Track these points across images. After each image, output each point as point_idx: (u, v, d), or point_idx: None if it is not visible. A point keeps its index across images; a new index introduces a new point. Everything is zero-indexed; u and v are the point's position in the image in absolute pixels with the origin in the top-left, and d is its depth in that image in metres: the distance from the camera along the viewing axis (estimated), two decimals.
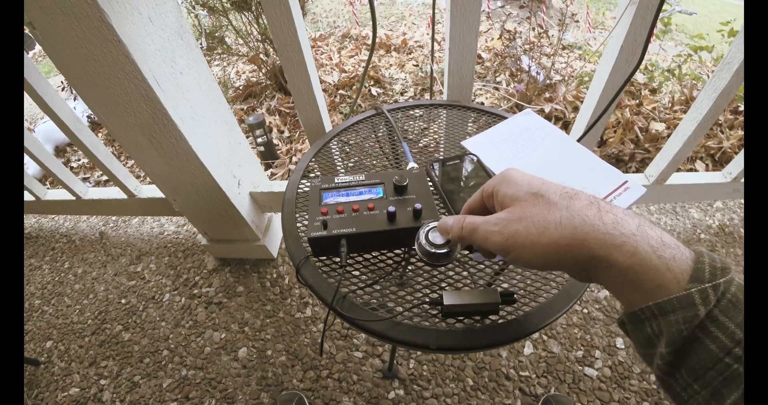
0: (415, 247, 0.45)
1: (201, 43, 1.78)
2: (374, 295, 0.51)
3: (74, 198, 1.46)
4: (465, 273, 0.52)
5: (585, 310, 1.17)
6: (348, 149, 0.78)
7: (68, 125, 1.19)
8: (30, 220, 1.79)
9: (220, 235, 1.32)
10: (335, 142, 0.79)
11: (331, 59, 1.95)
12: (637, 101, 1.93)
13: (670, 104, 1.91)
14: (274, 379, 1.12)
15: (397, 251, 0.55)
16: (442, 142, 0.77)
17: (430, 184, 0.63)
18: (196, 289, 1.35)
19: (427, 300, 0.47)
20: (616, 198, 0.62)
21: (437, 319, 0.47)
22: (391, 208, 0.50)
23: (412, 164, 0.65)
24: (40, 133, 1.89)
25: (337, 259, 0.55)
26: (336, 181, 0.58)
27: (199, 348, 1.22)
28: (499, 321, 0.46)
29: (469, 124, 0.82)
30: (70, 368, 1.25)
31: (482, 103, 1.90)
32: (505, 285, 0.53)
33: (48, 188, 1.58)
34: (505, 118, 0.81)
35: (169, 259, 1.46)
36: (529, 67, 1.90)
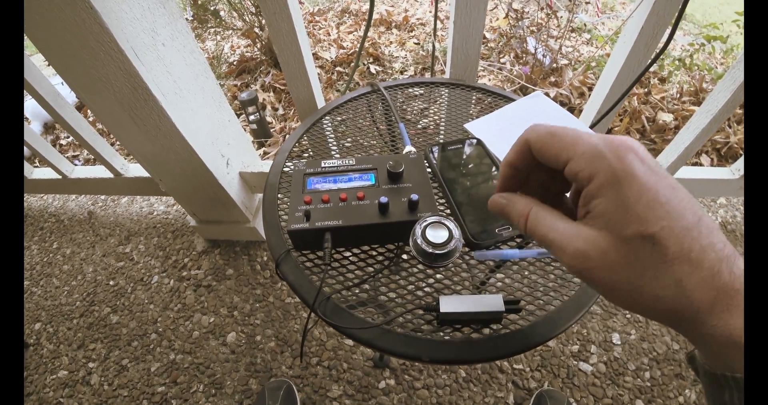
0: (410, 244, 0.38)
1: (187, 12, 1.66)
2: (362, 297, 0.44)
3: (60, 177, 1.38)
4: (465, 274, 0.45)
5: None
6: (342, 128, 0.70)
7: (48, 101, 1.10)
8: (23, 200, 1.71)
9: (209, 217, 1.25)
10: (328, 120, 0.70)
11: (329, 35, 1.83)
12: (646, 90, 1.84)
13: (678, 95, 1.81)
14: (263, 366, 1.07)
15: (391, 246, 0.48)
16: (442, 124, 0.69)
17: (429, 170, 0.56)
18: (185, 271, 1.29)
19: (422, 305, 0.40)
20: None
21: (432, 327, 0.40)
22: (383, 199, 0.43)
23: (409, 148, 0.58)
24: (27, 109, 1.78)
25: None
26: (322, 165, 0.50)
27: (187, 332, 1.17)
28: (502, 331, 0.40)
29: (472, 106, 0.73)
30: (59, 351, 1.20)
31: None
32: (513, 282, 0.46)
33: (35, 167, 1.50)
34: (513, 100, 0.73)
35: (158, 240, 1.39)
36: (536, 50, 1.79)
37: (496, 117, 0.68)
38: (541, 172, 0.28)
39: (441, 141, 0.64)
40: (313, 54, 1.77)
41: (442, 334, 0.40)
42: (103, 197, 1.59)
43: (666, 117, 1.69)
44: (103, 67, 0.80)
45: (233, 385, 1.05)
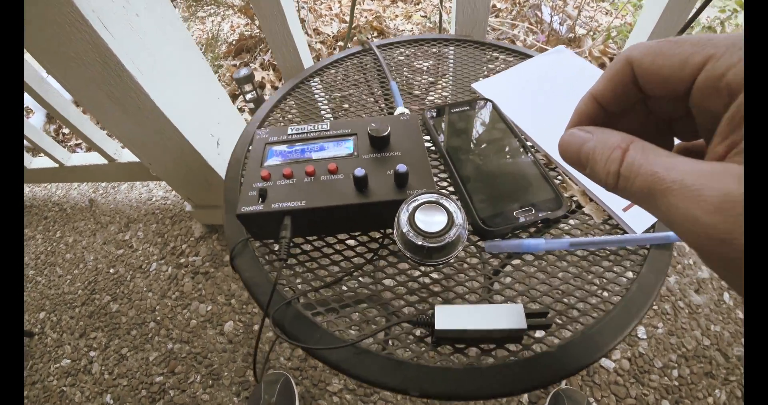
0: (394, 233, 0.26)
1: None
2: (333, 302, 0.32)
3: (57, 165, 1.30)
4: (472, 272, 0.32)
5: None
6: (332, 92, 0.57)
7: (30, 85, 1.00)
8: (23, 190, 1.65)
9: (204, 201, 1.15)
10: (317, 83, 0.57)
11: (331, 9, 1.67)
12: None
13: None
14: (261, 357, 0.98)
15: (376, 234, 0.36)
16: (447, 85, 0.56)
17: (427, 138, 0.43)
18: (183, 258, 1.20)
19: (412, 316, 0.28)
20: None
21: (425, 346, 0.28)
22: (359, 172, 0.30)
23: (401, 109, 0.45)
24: (29, 100, 1.69)
25: (299, 242, 0.36)
26: (289, 132, 0.38)
27: (185, 320, 1.08)
28: (521, 353, 0.27)
29: (483, 66, 0.59)
30: (62, 339, 1.13)
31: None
32: (536, 283, 0.33)
33: (35, 157, 1.42)
34: (531, 56, 0.58)
35: (157, 227, 1.30)
36: (551, 18, 1.60)
37: (510, 75, 0.54)
38: (637, 115, 0.19)
39: (443, 103, 0.51)
40: (314, 29, 1.62)
41: (438, 356, 0.27)
42: (103, 184, 1.51)
43: None
44: (71, 42, 0.68)
45: (230, 376, 0.97)
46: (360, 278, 0.33)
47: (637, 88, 0.17)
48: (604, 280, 0.32)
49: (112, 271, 1.24)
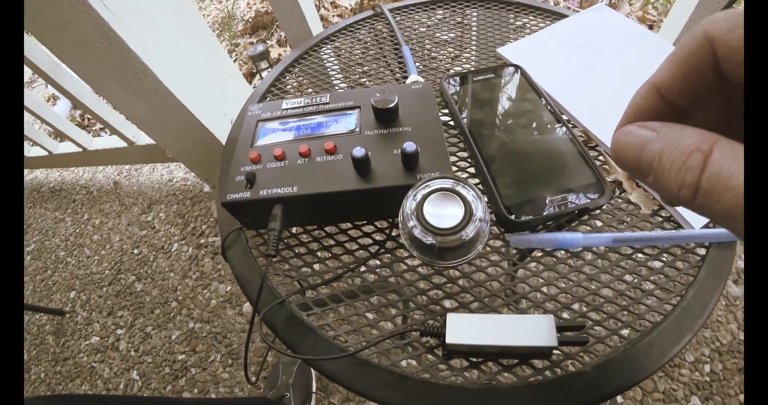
0: (399, 227, 0.21)
1: None
2: (331, 302, 0.28)
3: (81, 149, 1.31)
4: (492, 270, 0.27)
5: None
6: (343, 62, 0.51)
7: (45, 72, 0.99)
8: (54, 174, 1.69)
9: None
10: (327, 51, 0.51)
11: None
12: None
13: None
14: (270, 342, 0.97)
15: (383, 223, 0.31)
16: (470, 52, 0.49)
17: (445, 111, 0.37)
18: (203, 238, 1.20)
19: (420, 324, 0.23)
20: None
21: (434, 358, 0.24)
22: (359, 151, 0.25)
23: (414, 77, 0.39)
24: None
25: (296, 232, 0.32)
26: (284, 106, 0.33)
27: (205, 300, 1.09)
28: (547, 372, 0.22)
29: (510, 29, 0.51)
30: (91, 318, 1.17)
31: None
32: (570, 286, 0.27)
33: (61, 142, 1.44)
34: (565, 16, 0.50)
35: (178, 208, 1.30)
36: None
37: (542, 38, 0.46)
38: (714, 108, 0.15)
39: (464, 70, 0.44)
40: (332, 2, 1.54)
41: (449, 370, 0.23)
42: (126, 167, 1.52)
43: None
44: (74, 24, 0.65)
45: (249, 356, 0.97)
46: (364, 275, 0.29)
47: (718, 73, 0.13)
48: (653, 285, 0.26)
49: (136, 251, 1.26)
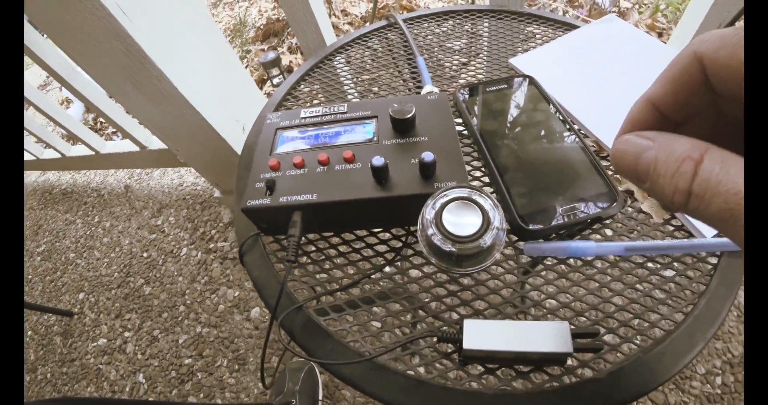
0: (418, 235, 0.22)
1: None
2: (349, 309, 0.28)
3: (93, 153, 1.34)
4: (509, 276, 0.28)
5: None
6: (357, 71, 0.53)
7: (63, 76, 1.02)
8: (66, 177, 1.72)
9: (232, 187, 1.15)
10: (340, 61, 0.53)
11: None
12: None
13: None
14: (286, 344, 0.98)
15: (400, 231, 0.32)
16: (482, 62, 0.50)
17: (458, 121, 0.38)
18: (212, 243, 1.22)
19: (436, 330, 0.24)
20: None
21: (451, 364, 0.24)
22: (378, 161, 0.26)
23: (429, 87, 0.40)
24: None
25: (313, 238, 0.33)
26: (302, 115, 0.34)
27: (213, 305, 1.10)
28: (563, 378, 0.23)
29: (521, 39, 0.53)
30: (99, 320, 1.19)
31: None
32: (584, 294, 0.28)
33: (74, 145, 1.48)
34: (577, 27, 0.51)
35: (188, 212, 1.32)
36: None
37: (553, 48, 0.47)
38: (706, 120, 0.16)
39: (476, 81, 0.45)
40: (342, 10, 1.56)
41: (465, 376, 0.24)
42: (138, 171, 1.55)
43: None
44: (93, 30, 0.68)
45: (256, 362, 0.98)
46: (380, 282, 0.29)
47: (709, 88, 0.14)
48: (665, 294, 0.27)
49: (145, 255, 1.27)
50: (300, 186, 0.28)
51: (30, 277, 1.39)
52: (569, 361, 0.23)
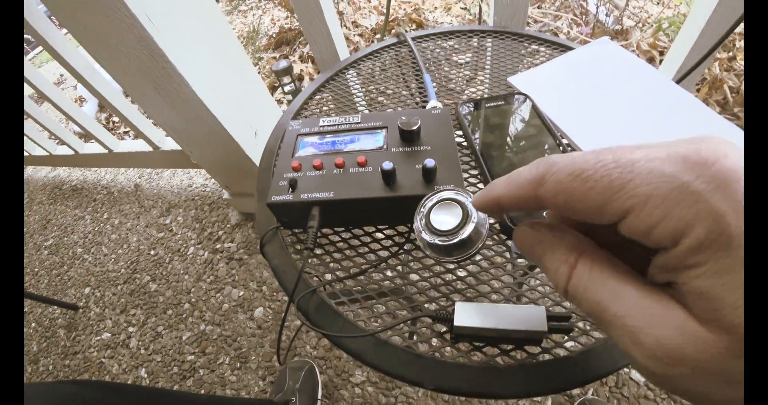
0: (414, 230, 0.26)
1: None
2: (357, 293, 0.33)
3: (106, 151, 1.39)
4: (495, 271, 0.32)
5: None
6: (368, 85, 0.58)
7: (82, 75, 1.07)
8: (76, 173, 1.78)
9: (241, 189, 1.20)
10: (353, 75, 0.58)
11: (370, 2, 1.68)
12: (730, 54, 1.51)
13: None
14: (287, 344, 1.01)
15: (403, 228, 0.37)
16: (485, 79, 0.55)
17: (459, 133, 0.42)
18: (219, 243, 1.26)
19: (432, 311, 0.28)
20: None
21: (444, 342, 0.28)
22: (387, 165, 0.31)
23: (434, 102, 0.44)
24: (82, 88, 1.82)
25: (327, 233, 0.37)
26: (321, 123, 0.39)
27: (217, 304, 1.14)
28: (540, 357, 0.27)
29: (522, 59, 0.58)
30: (104, 314, 1.23)
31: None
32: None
33: (87, 143, 1.53)
34: (572, 48, 0.56)
35: (196, 213, 1.37)
36: (597, 8, 1.52)
37: (549, 68, 0.52)
38: None
39: (477, 97, 0.50)
40: (353, 22, 1.63)
41: (456, 352, 0.28)
42: (148, 170, 1.60)
43: None
44: (120, 35, 0.74)
45: (257, 361, 1.01)
46: (385, 271, 0.34)
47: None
48: None
49: (152, 252, 1.32)
50: (319, 185, 0.33)
51: (36, 269, 1.44)
52: (545, 343, 0.27)
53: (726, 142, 0.12)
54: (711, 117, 0.42)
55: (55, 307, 1.28)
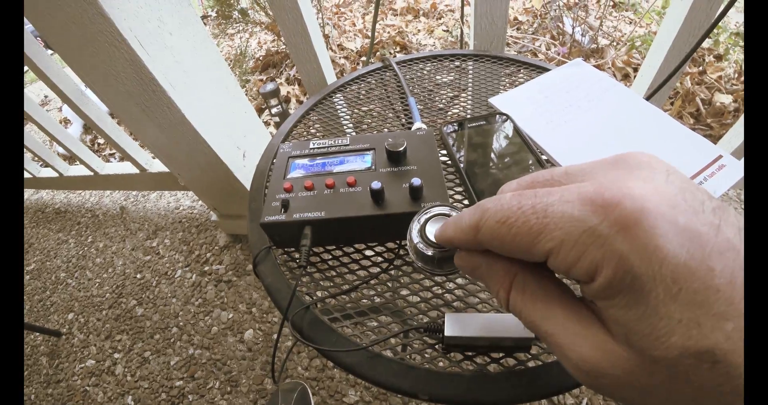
0: (407, 243, 0.28)
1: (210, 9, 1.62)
2: (349, 309, 0.34)
3: (92, 173, 1.39)
4: (482, 283, 0.34)
5: None
6: (355, 108, 0.60)
7: (69, 97, 1.08)
8: (60, 196, 1.76)
9: (230, 211, 1.20)
10: (339, 98, 0.60)
11: (355, 25, 1.74)
12: (700, 68, 1.60)
13: (736, 74, 1.56)
14: (279, 365, 1.00)
15: (392, 245, 0.38)
16: (467, 99, 0.58)
17: (444, 152, 0.45)
18: (207, 265, 1.25)
19: (423, 323, 0.30)
20: (707, 179, 0.41)
21: (436, 353, 0.30)
22: (376, 184, 0.32)
23: (418, 124, 0.47)
24: (67, 111, 1.82)
25: (318, 251, 0.38)
26: (311, 146, 0.41)
27: (206, 327, 1.12)
28: (530, 363, 0.28)
29: (501, 80, 0.61)
30: (88, 340, 1.19)
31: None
32: None
33: (71, 165, 1.52)
34: (548, 70, 0.60)
35: (183, 235, 1.36)
36: (573, 29, 1.60)
37: (527, 89, 0.55)
38: None
39: (460, 118, 0.52)
40: (338, 45, 1.68)
41: (448, 362, 0.29)
42: (134, 193, 1.59)
43: (724, 98, 1.46)
44: (110, 59, 0.75)
45: (248, 384, 0.99)
46: (376, 287, 0.35)
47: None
48: None
49: (139, 276, 1.30)
50: (310, 205, 0.34)
51: None
52: (534, 349, 0.29)
53: (636, 167, 0.14)
54: (677, 129, 0.45)
55: (37, 333, 1.24)
